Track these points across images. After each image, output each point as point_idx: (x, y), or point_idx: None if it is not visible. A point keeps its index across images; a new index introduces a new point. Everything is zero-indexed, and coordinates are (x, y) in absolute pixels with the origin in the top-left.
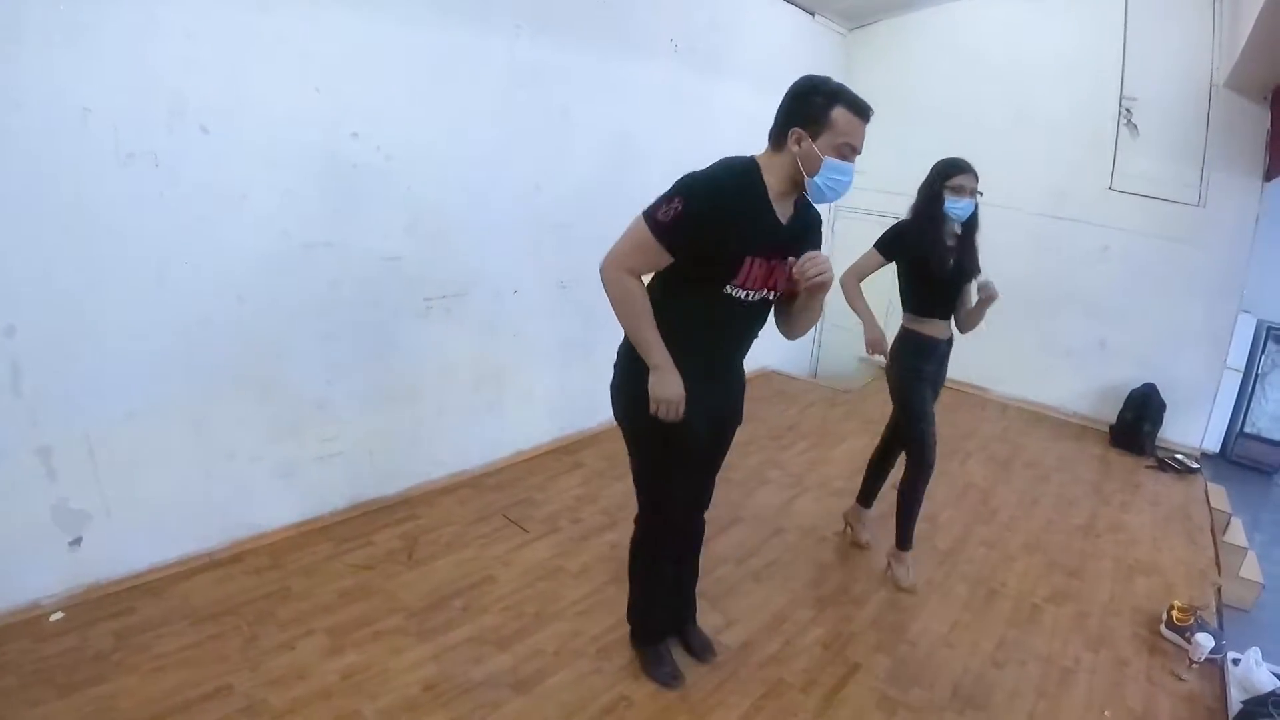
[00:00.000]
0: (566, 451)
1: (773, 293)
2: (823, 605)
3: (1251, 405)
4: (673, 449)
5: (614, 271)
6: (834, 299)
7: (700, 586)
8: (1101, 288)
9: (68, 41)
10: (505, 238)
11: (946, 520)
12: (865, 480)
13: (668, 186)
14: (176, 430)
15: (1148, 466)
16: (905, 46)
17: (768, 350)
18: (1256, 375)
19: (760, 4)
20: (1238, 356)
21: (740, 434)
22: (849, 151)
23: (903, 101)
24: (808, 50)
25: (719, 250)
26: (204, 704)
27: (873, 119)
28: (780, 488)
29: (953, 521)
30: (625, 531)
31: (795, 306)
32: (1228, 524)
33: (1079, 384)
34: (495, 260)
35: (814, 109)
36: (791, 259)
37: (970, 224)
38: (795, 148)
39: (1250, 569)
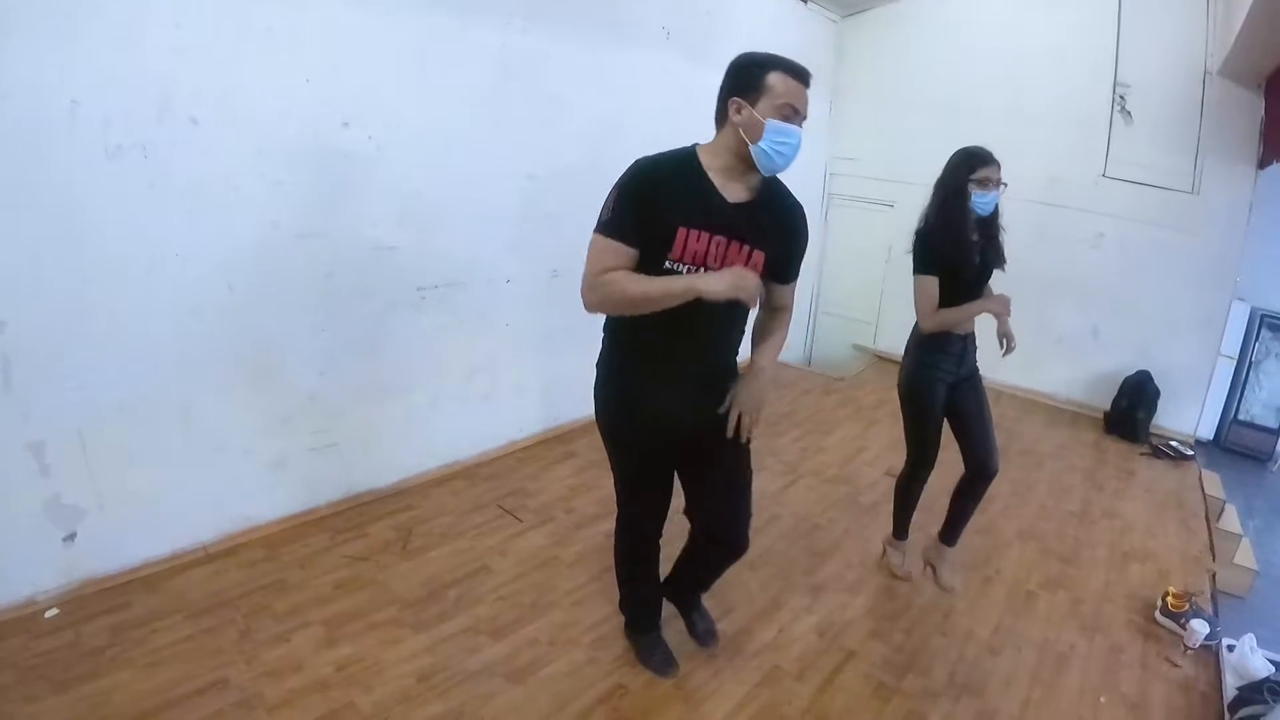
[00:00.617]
0: (560, 441)
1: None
2: (817, 593)
3: (1245, 392)
4: (627, 454)
5: (588, 289)
6: (836, 287)
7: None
8: (1095, 275)
9: (56, 33)
10: (498, 227)
11: (941, 508)
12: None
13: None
14: (169, 423)
15: (1142, 454)
16: (898, 33)
17: None
18: (1250, 362)
19: None
20: (1231, 344)
21: None
22: (791, 113)
23: (895, 89)
24: (800, 37)
25: (652, 225)
26: (199, 697)
27: (860, 104)
28: (774, 475)
29: (946, 508)
30: None
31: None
32: (1222, 510)
33: (1073, 371)
34: (488, 250)
35: (750, 77)
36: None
37: (993, 217)
38: (736, 117)
39: (1245, 556)
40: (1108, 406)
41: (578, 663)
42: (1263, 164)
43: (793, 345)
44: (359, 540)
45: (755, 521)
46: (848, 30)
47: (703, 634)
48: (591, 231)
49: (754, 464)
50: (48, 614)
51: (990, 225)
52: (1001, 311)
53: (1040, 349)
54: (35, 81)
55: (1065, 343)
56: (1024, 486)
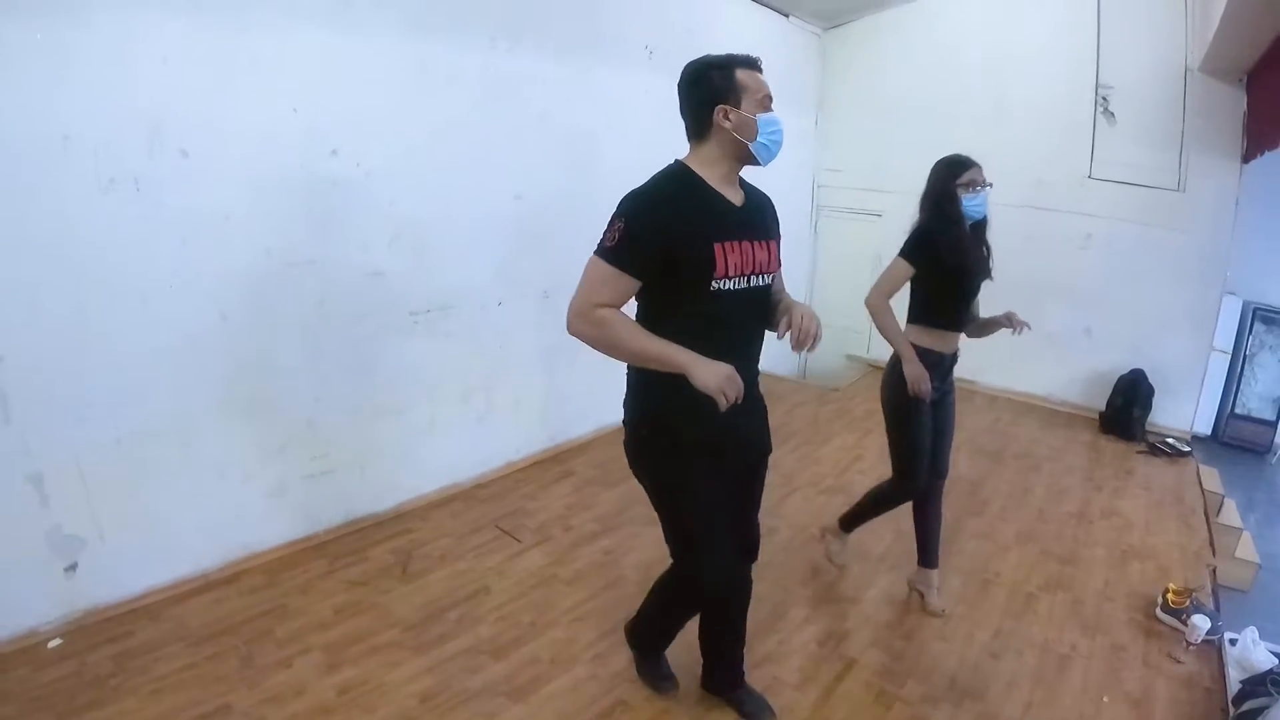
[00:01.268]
0: (556, 461)
1: (763, 275)
2: (816, 603)
3: (1241, 386)
4: (710, 492)
5: (579, 317)
6: (827, 297)
7: None
8: (1085, 275)
9: (46, 70)
10: (487, 249)
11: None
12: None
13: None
14: (167, 452)
15: (1139, 451)
16: (881, 44)
17: None
18: (1245, 356)
19: (733, 8)
20: (1225, 339)
21: None
22: (769, 102)
23: (880, 99)
24: (784, 52)
25: (688, 248)
26: None
27: (845, 115)
28: (771, 487)
29: (943, 514)
30: (617, 538)
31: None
32: (1221, 505)
33: (1067, 372)
34: (478, 272)
35: (720, 83)
36: (765, 248)
37: (982, 222)
38: (726, 123)
39: (1246, 549)
40: (1103, 406)
41: (579, 679)
42: (1247, 158)
43: (786, 358)
44: (359, 565)
45: None
46: (831, 42)
47: (758, 712)
48: (592, 254)
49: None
50: (51, 644)
51: (980, 235)
52: (919, 384)
53: (1033, 351)
54: (27, 117)
55: (1058, 344)
56: (1021, 489)
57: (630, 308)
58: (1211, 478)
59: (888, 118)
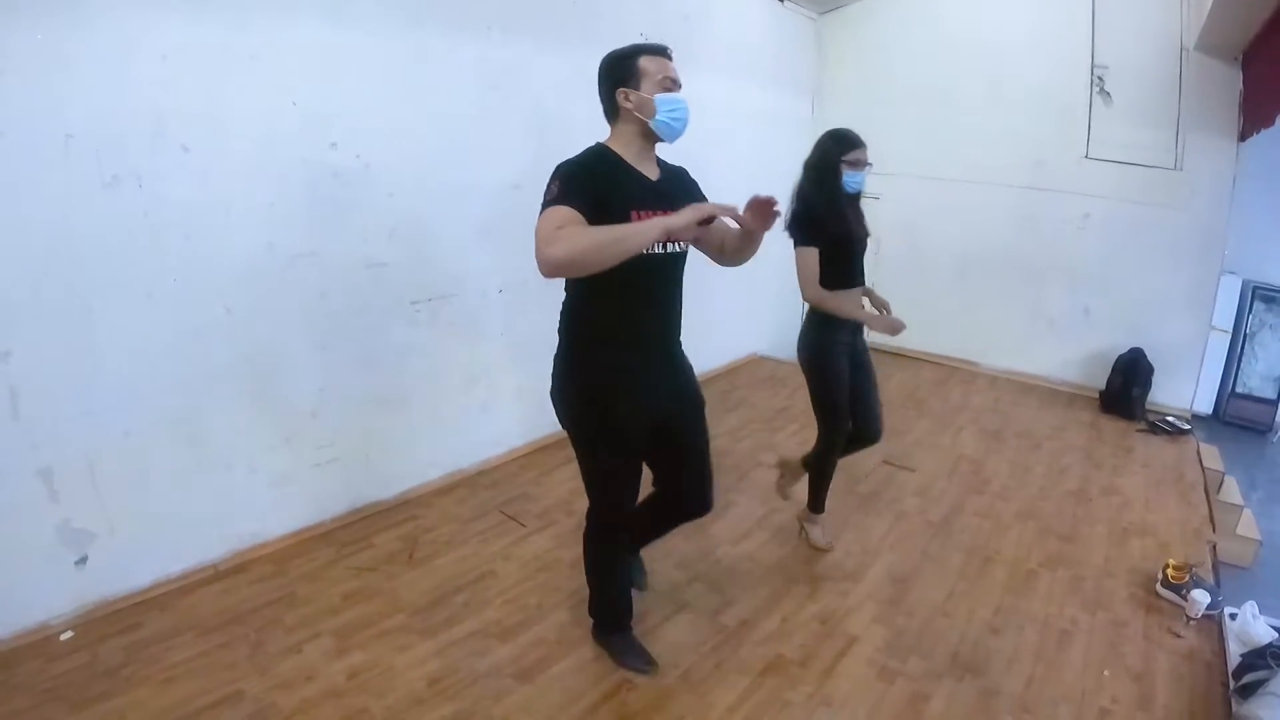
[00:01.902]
0: (559, 446)
1: (678, 244)
2: (818, 582)
3: (1242, 365)
4: (611, 447)
5: (545, 244)
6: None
7: (698, 569)
8: (1084, 256)
9: (47, 69)
10: (488, 238)
11: (939, 492)
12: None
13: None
14: (174, 445)
15: (1139, 430)
16: (876, 28)
17: (757, 335)
18: (1245, 335)
19: None
20: (1224, 318)
21: (732, 418)
22: (671, 84)
23: (876, 82)
24: (779, 36)
25: (608, 215)
26: (215, 710)
27: (842, 100)
28: (772, 470)
29: (945, 493)
30: None
31: (738, 246)
32: (1221, 483)
33: (1066, 352)
34: (479, 261)
35: (623, 69)
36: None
37: (857, 194)
38: (627, 104)
39: (1247, 526)
40: (1103, 386)
41: (585, 659)
42: (1244, 136)
43: (787, 342)
44: (365, 552)
45: (755, 514)
46: (826, 27)
47: (635, 574)
48: (540, 213)
49: (752, 459)
50: (62, 637)
51: (855, 203)
52: (891, 327)
53: (1032, 332)
54: (29, 117)
55: (1057, 324)
56: (1021, 468)
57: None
58: (1212, 456)
59: (885, 102)
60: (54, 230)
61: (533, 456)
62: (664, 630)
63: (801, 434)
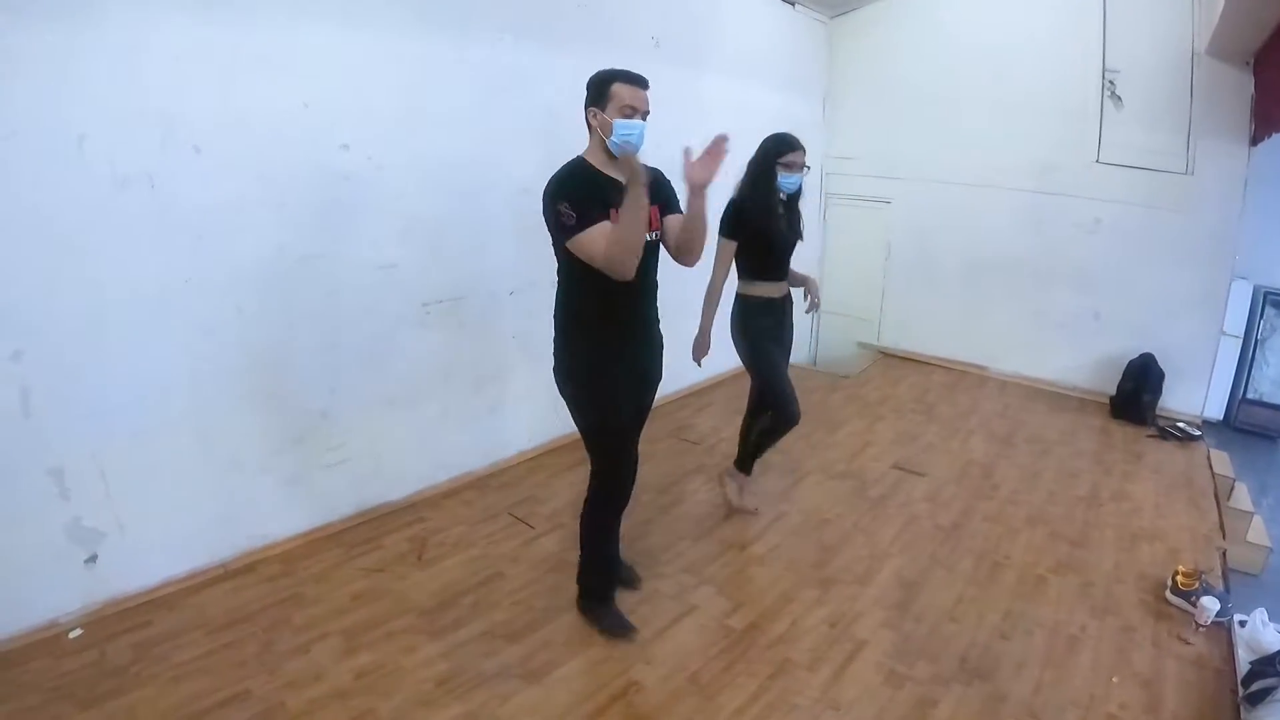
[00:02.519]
0: (568, 449)
1: (651, 233)
2: (827, 586)
3: (1253, 371)
4: (614, 412)
5: (608, 258)
6: (838, 286)
7: (708, 572)
8: (1094, 260)
9: (60, 70)
10: (498, 240)
11: (949, 497)
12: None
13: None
14: (184, 445)
15: (1149, 436)
16: (887, 31)
17: None
18: (1256, 341)
19: None
20: (1235, 323)
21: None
22: (630, 111)
23: (888, 86)
24: (789, 40)
25: (592, 216)
26: (222, 709)
27: (852, 103)
28: (782, 473)
29: (955, 498)
30: (627, 525)
31: (682, 228)
32: (1231, 489)
33: (1077, 357)
34: (489, 263)
35: (597, 91)
36: None
37: (796, 193)
38: (593, 121)
39: (1257, 533)
40: (1113, 390)
41: (593, 661)
42: (1255, 140)
43: (798, 345)
44: (374, 553)
45: (764, 517)
46: (837, 30)
47: (628, 579)
48: (570, 239)
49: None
50: (71, 635)
51: (793, 201)
52: (700, 352)
53: (1042, 336)
54: (43, 118)
55: (1067, 329)
56: (1031, 473)
57: (551, 269)
58: (1222, 462)
59: (895, 105)
60: (66, 230)
61: (542, 459)
62: (672, 633)
63: (811, 437)
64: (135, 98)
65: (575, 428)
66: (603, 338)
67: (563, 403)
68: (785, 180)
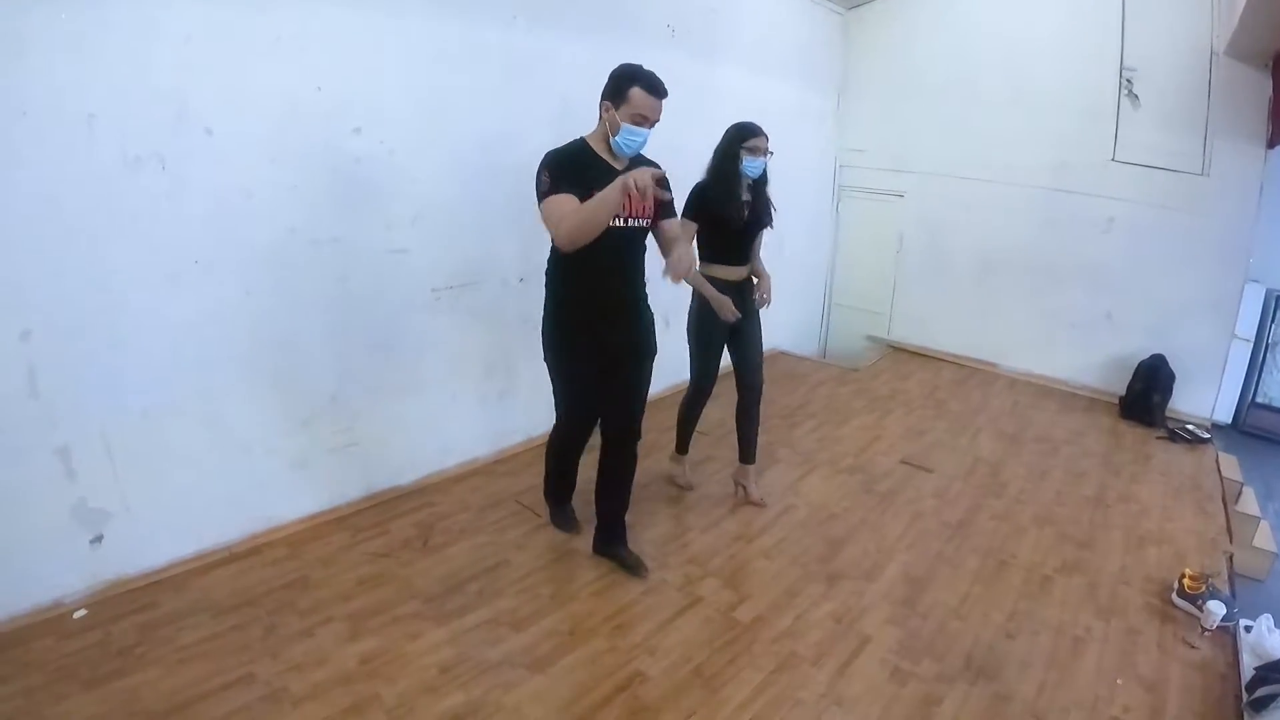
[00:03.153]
0: None
1: (637, 220)
2: (834, 580)
3: (1263, 375)
4: (574, 371)
5: (560, 229)
6: (849, 278)
7: (714, 564)
8: (1107, 259)
9: (70, 49)
10: (509, 226)
11: (956, 494)
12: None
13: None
14: (192, 426)
15: (1158, 437)
16: (904, 24)
17: (777, 331)
18: (1267, 345)
19: None
20: (1247, 326)
21: None
22: (641, 120)
23: (903, 79)
24: (806, 31)
25: (581, 194)
26: (226, 692)
27: (867, 96)
28: (790, 466)
29: (962, 495)
30: (635, 514)
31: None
32: (1239, 493)
33: (1087, 356)
34: (500, 249)
35: (617, 88)
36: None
37: (761, 180)
38: (605, 115)
39: (1263, 538)
40: (1123, 391)
41: (598, 651)
42: (1272, 143)
43: (807, 338)
44: (380, 538)
45: (771, 510)
46: (853, 23)
47: (634, 566)
48: (540, 203)
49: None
50: (76, 615)
51: (759, 187)
52: (711, 300)
53: (1053, 334)
54: (53, 97)
55: (1078, 328)
56: (1039, 472)
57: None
58: (1231, 465)
59: (910, 98)
60: (76, 211)
61: None
62: (677, 624)
63: (820, 430)
64: (146, 78)
65: None
66: (577, 311)
67: None
68: (749, 165)
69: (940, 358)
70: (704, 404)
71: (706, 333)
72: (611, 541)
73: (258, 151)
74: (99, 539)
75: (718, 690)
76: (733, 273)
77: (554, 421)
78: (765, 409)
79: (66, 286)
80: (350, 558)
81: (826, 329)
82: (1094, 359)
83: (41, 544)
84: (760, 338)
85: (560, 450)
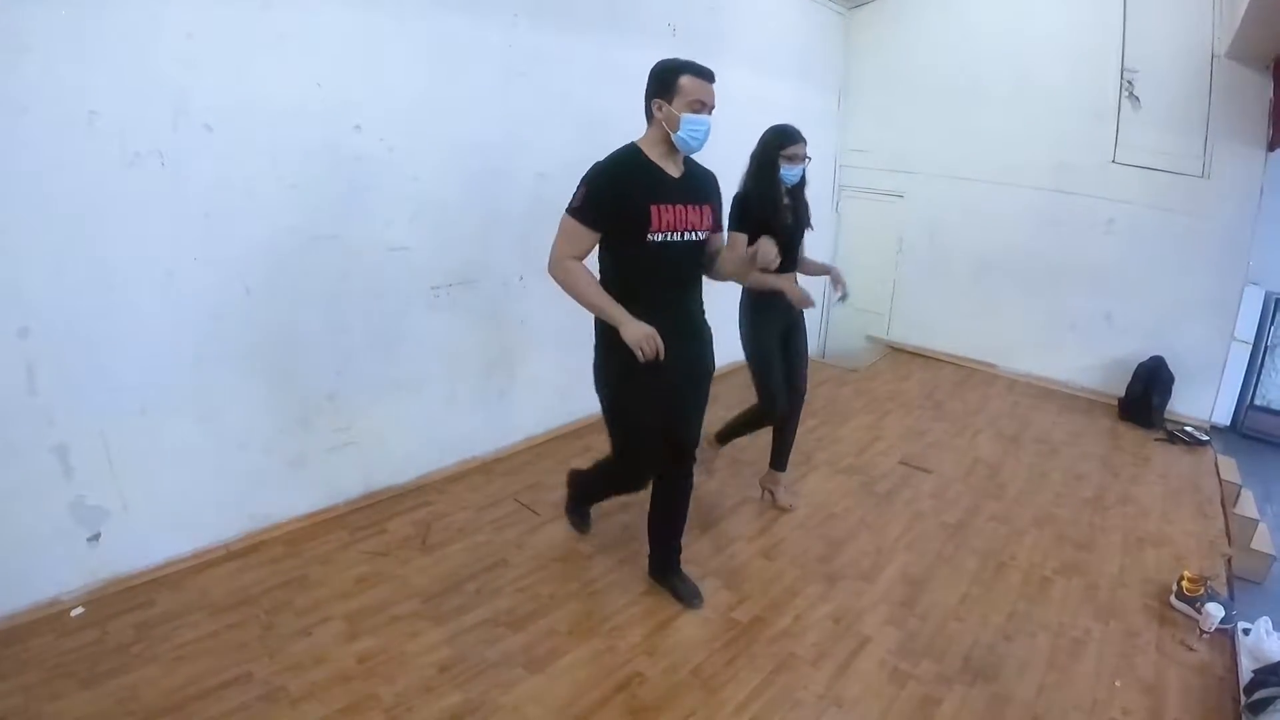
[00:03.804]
0: (576, 435)
1: (695, 232)
2: (833, 581)
3: (1262, 378)
4: (637, 397)
5: (556, 264)
6: (848, 278)
7: (712, 565)
8: (1107, 261)
9: (71, 46)
10: (509, 225)
11: (955, 495)
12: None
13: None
14: (190, 424)
15: (1157, 439)
16: (905, 24)
17: None
18: (1266, 347)
19: None
20: (1246, 329)
21: None
22: (700, 106)
23: (904, 79)
24: (807, 31)
25: (631, 208)
26: (224, 691)
27: (868, 96)
28: (790, 466)
29: (961, 496)
30: (634, 514)
31: (728, 270)
32: (1238, 496)
33: (1087, 358)
34: (500, 248)
35: (666, 82)
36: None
37: (800, 183)
38: (659, 114)
39: (1261, 541)
40: (1122, 392)
41: (596, 651)
42: (1272, 146)
43: (820, 342)
44: (379, 536)
45: (771, 511)
46: (854, 22)
47: (689, 596)
48: (565, 212)
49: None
50: (74, 613)
51: (798, 192)
52: (801, 299)
53: (1053, 336)
54: (53, 93)
55: (1078, 329)
56: (1038, 473)
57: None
58: (1229, 468)
59: (911, 98)
60: (75, 207)
61: (549, 445)
62: (676, 625)
63: (819, 430)
64: (147, 74)
65: (581, 414)
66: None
67: (570, 389)
68: (787, 172)
69: (940, 358)
70: (768, 426)
71: (766, 349)
72: (666, 571)
73: (258, 148)
74: (97, 537)
75: (716, 691)
76: (785, 280)
77: (606, 460)
78: None
79: (65, 284)
80: (348, 556)
81: (826, 329)
82: (1093, 360)
83: (39, 542)
84: (807, 346)
85: (623, 488)
